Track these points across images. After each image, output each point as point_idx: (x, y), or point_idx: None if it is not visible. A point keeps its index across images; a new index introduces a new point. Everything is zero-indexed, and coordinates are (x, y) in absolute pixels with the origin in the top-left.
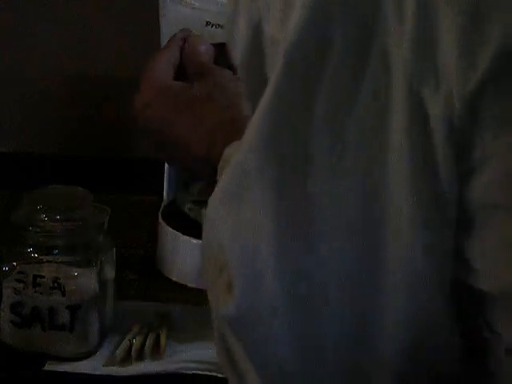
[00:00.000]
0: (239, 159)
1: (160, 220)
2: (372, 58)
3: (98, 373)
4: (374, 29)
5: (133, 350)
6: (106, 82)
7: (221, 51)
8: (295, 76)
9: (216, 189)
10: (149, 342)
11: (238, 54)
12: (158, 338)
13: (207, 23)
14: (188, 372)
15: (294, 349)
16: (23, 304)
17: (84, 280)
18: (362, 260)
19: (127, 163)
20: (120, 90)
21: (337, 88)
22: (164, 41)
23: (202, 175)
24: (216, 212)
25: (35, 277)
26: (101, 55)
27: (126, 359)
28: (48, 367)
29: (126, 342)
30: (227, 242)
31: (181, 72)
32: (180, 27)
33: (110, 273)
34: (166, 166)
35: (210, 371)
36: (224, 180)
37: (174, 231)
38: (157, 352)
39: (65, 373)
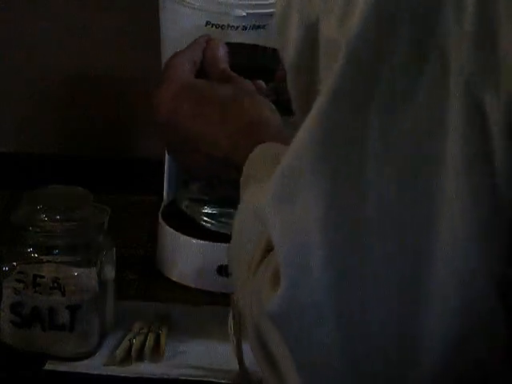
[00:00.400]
0: (290, 160)
1: (160, 220)
2: (431, 59)
3: (97, 373)
4: (434, 29)
5: (133, 349)
6: (106, 82)
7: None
8: (354, 74)
9: (266, 190)
10: (149, 342)
11: (289, 52)
12: (158, 337)
13: (207, 23)
14: (189, 378)
15: (340, 340)
16: (23, 304)
17: (84, 280)
18: (409, 257)
19: (127, 163)
20: (120, 90)
21: (393, 88)
22: (164, 41)
23: (208, 174)
24: (266, 212)
25: (35, 277)
26: (101, 55)
27: (126, 359)
28: (48, 367)
29: (125, 342)
30: (277, 238)
31: (201, 75)
32: (180, 27)
33: (110, 273)
34: (166, 165)
35: (207, 377)
36: (274, 181)
37: (174, 231)
38: (157, 352)
39: (65, 373)
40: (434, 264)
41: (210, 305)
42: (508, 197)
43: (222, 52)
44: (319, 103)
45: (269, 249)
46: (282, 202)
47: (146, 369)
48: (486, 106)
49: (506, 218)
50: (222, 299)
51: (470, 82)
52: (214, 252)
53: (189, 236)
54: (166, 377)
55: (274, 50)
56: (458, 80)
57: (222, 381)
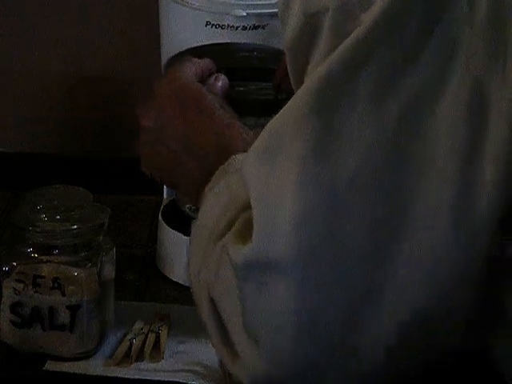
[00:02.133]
0: (275, 123)
1: (160, 220)
2: (435, 44)
3: (97, 373)
4: (443, 16)
5: (133, 350)
6: (107, 82)
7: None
8: (352, 47)
9: (250, 150)
10: (149, 342)
11: (288, 36)
12: (157, 338)
13: (207, 23)
14: (189, 378)
15: (298, 300)
16: (23, 304)
17: (84, 280)
18: (387, 213)
19: (127, 163)
20: (120, 90)
21: (390, 60)
22: (164, 41)
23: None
24: (248, 167)
25: (35, 277)
26: (101, 55)
27: (126, 359)
28: (48, 367)
29: (126, 342)
30: (255, 194)
31: None
32: (180, 27)
33: (110, 273)
34: None
35: (207, 377)
36: (259, 140)
37: (174, 231)
38: (157, 352)
39: (65, 373)
40: (410, 231)
41: None
42: (491, 177)
43: (219, 86)
44: (314, 74)
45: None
46: (263, 160)
47: (145, 369)
48: (488, 88)
49: (491, 196)
50: None
51: (476, 65)
52: None
53: (189, 236)
54: (165, 377)
55: (274, 50)
56: (462, 62)
57: (222, 381)
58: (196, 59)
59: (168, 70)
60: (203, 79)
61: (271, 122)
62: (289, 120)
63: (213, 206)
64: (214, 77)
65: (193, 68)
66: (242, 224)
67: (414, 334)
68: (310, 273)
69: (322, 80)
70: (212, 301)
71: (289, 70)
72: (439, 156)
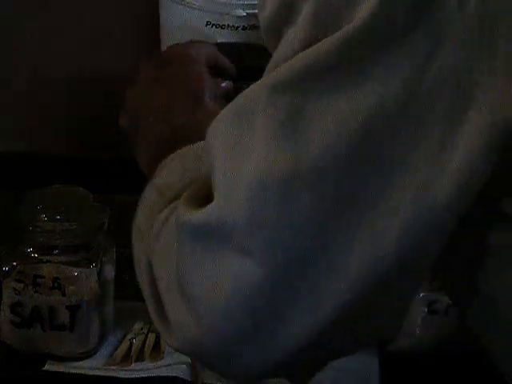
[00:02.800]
0: (252, 91)
1: None
2: (423, 31)
3: (97, 373)
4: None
5: (133, 349)
6: (107, 81)
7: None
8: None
9: (221, 113)
10: (149, 342)
11: (265, 18)
12: (158, 338)
13: (207, 23)
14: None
15: (247, 267)
16: (23, 304)
17: (84, 280)
18: (341, 199)
19: (127, 163)
20: (120, 90)
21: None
22: (164, 40)
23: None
24: (213, 133)
25: (35, 277)
26: (101, 55)
27: (126, 359)
28: (48, 367)
29: (126, 342)
30: (219, 158)
31: None
32: (180, 27)
33: (109, 273)
34: None
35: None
36: (226, 110)
37: None
38: (157, 352)
39: (65, 373)
40: (366, 218)
41: None
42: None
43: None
44: (299, 57)
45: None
46: (233, 122)
47: (145, 369)
48: (474, 83)
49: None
50: None
51: (465, 49)
52: None
53: None
54: (165, 371)
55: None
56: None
57: (221, 381)
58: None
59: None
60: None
61: (248, 89)
62: (263, 92)
63: (169, 173)
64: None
65: (205, 54)
66: (196, 189)
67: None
68: (257, 242)
69: (303, 66)
70: (150, 265)
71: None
72: (409, 145)
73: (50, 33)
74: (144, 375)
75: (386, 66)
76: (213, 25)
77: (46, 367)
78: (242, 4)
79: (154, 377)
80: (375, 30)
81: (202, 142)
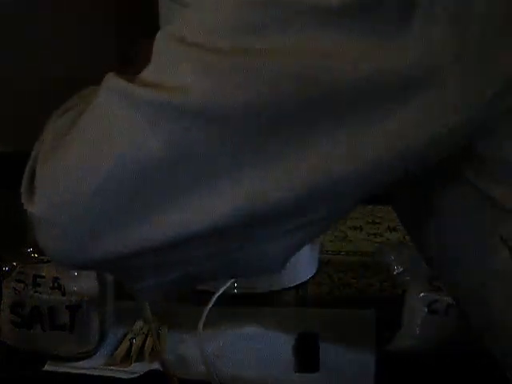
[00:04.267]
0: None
1: None
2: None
3: (97, 373)
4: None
5: (133, 349)
6: None
7: None
8: None
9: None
10: (149, 342)
11: None
12: (157, 338)
13: None
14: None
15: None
16: (23, 304)
17: (84, 280)
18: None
19: None
20: None
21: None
22: None
23: None
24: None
25: (35, 277)
26: (101, 55)
27: (126, 359)
28: (48, 367)
29: (125, 342)
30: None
31: None
32: None
33: None
34: None
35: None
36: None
37: None
38: (157, 352)
39: (65, 373)
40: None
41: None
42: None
43: None
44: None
45: None
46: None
47: (145, 369)
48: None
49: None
50: (222, 299)
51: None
52: None
53: None
54: (165, 376)
55: None
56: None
57: (221, 381)
58: None
59: None
60: None
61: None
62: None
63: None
64: None
65: None
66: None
67: None
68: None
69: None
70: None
71: None
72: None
73: (50, 33)
74: (144, 376)
75: None
76: None
77: (46, 367)
78: None
79: (155, 378)
80: None
81: None
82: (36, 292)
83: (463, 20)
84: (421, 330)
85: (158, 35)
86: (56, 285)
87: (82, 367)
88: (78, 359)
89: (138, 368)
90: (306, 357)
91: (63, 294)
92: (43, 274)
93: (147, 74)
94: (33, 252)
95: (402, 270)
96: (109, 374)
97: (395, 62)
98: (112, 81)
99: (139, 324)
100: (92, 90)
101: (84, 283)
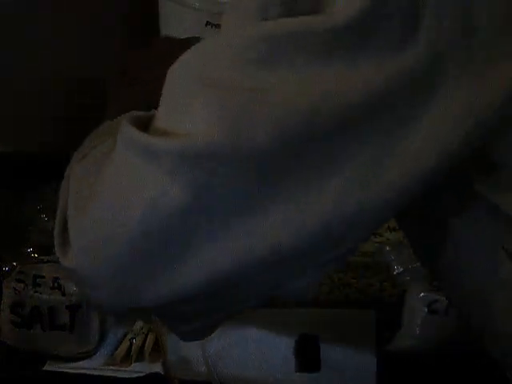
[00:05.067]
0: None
1: None
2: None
3: (97, 373)
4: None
5: (133, 349)
6: (107, 81)
7: None
8: None
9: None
10: (149, 342)
11: None
12: (158, 337)
13: (207, 23)
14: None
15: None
16: (23, 304)
17: None
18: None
19: None
20: None
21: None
22: None
23: None
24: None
25: (35, 277)
26: (101, 55)
27: (126, 359)
28: (48, 367)
29: (125, 342)
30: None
31: None
32: (180, 27)
33: None
34: None
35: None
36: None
37: None
38: (157, 352)
39: (65, 373)
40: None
41: None
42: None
43: None
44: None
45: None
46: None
47: (145, 369)
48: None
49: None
50: None
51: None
52: None
53: None
54: (165, 376)
55: None
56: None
57: (222, 381)
58: None
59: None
60: None
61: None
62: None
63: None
64: None
65: None
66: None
67: None
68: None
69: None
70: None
71: None
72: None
73: (50, 33)
74: (144, 376)
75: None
76: (213, 25)
77: (46, 367)
78: None
79: (155, 378)
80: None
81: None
82: (36, 292)
83: (466, 31)
84: (421, 330)
85: (172, 69)
86: (56, 285)
87: (82, 367)
88: (77, 359)
89: (137, 368)
90: (307, 357)
91: (63, 294)
92: (43, 274)
93: (161, 117)
94: (33, 252)
95: (402, 269)
96: (109, 373)
97: (402, 77)
98: (126, 131)
99: (139, 324)
100: (108, 129)
101: None
